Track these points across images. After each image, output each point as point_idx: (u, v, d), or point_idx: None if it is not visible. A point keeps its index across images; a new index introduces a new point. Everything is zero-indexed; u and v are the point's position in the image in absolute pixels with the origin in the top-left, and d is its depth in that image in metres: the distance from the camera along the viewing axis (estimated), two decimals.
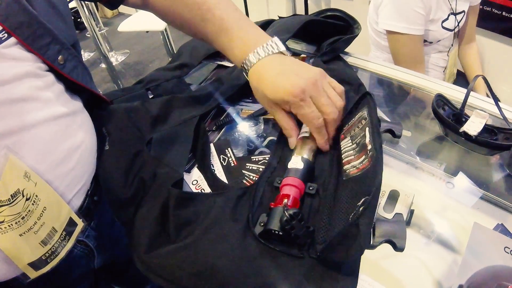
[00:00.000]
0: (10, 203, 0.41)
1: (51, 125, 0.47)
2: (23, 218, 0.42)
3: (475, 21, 1.29)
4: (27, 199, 0.42)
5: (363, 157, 0.45)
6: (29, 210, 0.43)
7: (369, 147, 0.44)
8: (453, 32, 1.20)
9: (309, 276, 0.40)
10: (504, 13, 1.45)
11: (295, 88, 0.48)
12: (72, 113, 0.52)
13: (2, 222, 0.40)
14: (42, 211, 0.44)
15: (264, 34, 0.55)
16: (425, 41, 1.20)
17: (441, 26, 1.17)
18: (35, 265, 0.45)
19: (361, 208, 0.38)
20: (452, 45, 1.25)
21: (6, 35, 0.42)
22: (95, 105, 0.61)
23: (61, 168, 0.48)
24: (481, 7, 1.51)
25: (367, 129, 0.46)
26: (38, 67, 0.47)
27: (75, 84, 0.53)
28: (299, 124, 0.55)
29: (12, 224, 0.41)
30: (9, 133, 0.42)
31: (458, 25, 1.19)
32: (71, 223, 0.49)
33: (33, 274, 0.45)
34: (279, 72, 0.50)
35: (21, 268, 0.44)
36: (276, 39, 0.53)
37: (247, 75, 0.54)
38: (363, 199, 0.40)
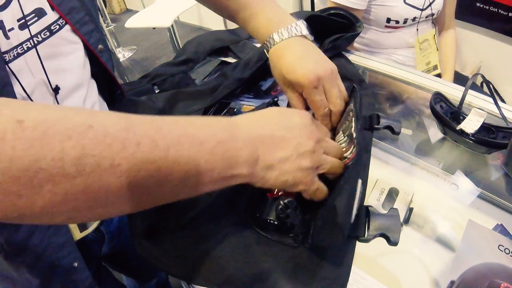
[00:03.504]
0: None
1: None
2: None
3: (453, 8, 1.26)
4: None
5: (352, 146, 0.46)
6: None
7: (354, 135, 0.45)
8: (424, 14, 1.15)
9: (304, 266, 0.41)
10: (510, 14, 1.44)
11: (312, 74, 0.49)
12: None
13: None
14: None
15: (289, 15, 0.55)
16: (389, 20, 1.15)
17: (404, 2, 1.11)
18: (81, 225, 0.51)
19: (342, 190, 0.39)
20: (416, 29, 1.20)
21: (63, 21, 0.46)
22: (112, 97, 0.64)
23: None
24: (486, 7, 1.50)
25: (353, 119, 0.47)
26: (84, 52, 0.51)
27: (105, 75, 0.57)
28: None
29: None
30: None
31: (430, 5, 1.14)
32: None
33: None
34: (300, 55, 0.51)
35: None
36: (300, 22, 0.54)
37: (267, 53, 0.55)
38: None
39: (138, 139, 0.29)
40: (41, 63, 0.44)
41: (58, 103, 0.47)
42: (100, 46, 0.53)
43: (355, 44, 1.26)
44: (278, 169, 0.38)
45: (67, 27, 0.47)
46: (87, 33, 0.50)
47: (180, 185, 0.32)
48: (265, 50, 0.56)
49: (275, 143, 0.38)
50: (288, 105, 0.57)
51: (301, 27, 0.53)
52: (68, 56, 0.49)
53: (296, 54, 0.51)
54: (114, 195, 0.28)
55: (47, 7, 0.44)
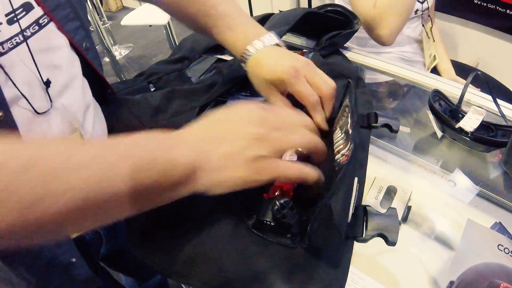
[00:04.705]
0: None
1: None
2: None
3: (433, 2, 1.31)
4: None
5: (349, 143, 0.45)
6: None
7: (350, 131, 0.45)
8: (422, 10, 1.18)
9: (301, 266, 0.41)
10: (508, 11, 1.43)
11: (289, 67, 0.52)
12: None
13: None
14: None
15: (262, 29, 0.58)
16: None
17: None
18: None
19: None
20: (422, 25, 1.23)
21: (46, 20, 0.45)
22: (103, 97, 0.63)
23: None
24: (484, 4, 1.50)
25: (349, 115, 0.47)
26: (70, 50, 0.50)
27: (93, 74, 0.56)
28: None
29: None
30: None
31: None
32: None
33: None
34: (275, 57, 0.54)
35: None
36: (272, 33, 0.57)
37: (245, 65, 0.57)
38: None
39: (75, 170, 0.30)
40: (32, 57, 0.43)
41: (50, 98, 0.46)
42: (84, 44, 0.53)
43: (361, 48, 1.26)
44: (226, 167, 0.37)
45: (52, 23, 0.47)
46: (72, 31, 0.50)
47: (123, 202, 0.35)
48: (242, 64, 0.58)
49: (217, 141, 0.38)
50: None
51: (273, 37, 0.57)
52: (58, 50, 0.48)
53: (272, 57, 0.55)
54: (60, 222, 0.31)
55: (33, 1, 0.44)
